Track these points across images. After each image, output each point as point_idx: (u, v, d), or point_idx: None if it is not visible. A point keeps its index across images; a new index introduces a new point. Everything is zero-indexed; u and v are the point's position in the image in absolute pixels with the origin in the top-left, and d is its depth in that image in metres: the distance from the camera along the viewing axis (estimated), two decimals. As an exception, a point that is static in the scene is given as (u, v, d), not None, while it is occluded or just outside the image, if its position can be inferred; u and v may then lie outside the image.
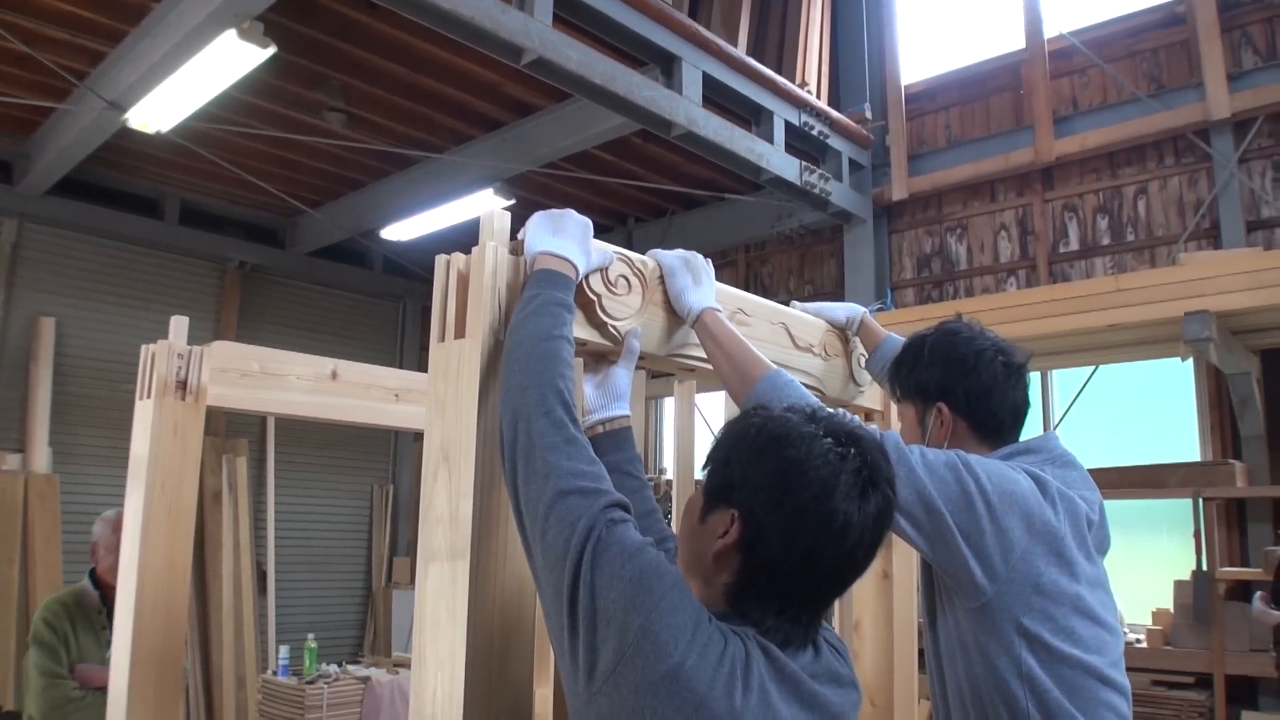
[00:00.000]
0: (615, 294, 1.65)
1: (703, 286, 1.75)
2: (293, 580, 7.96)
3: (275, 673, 5.17)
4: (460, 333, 1.45)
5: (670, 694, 1.06)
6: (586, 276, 1.60)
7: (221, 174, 6.84)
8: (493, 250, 1.46)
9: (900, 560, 2.29)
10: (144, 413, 2.31)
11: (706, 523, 1.21)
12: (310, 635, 5.37)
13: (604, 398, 1.65)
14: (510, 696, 1.38)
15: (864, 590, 2.30)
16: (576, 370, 1.58)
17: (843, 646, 1.30)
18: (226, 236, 7.93)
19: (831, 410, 1.28)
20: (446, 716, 1.33)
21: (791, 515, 1.14)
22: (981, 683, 1.62)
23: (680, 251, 1.79)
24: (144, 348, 2.34)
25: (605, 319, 1.63)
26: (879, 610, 2.28)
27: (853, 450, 1.17)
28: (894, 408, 2.15)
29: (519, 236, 1.57)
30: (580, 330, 1.60)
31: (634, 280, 1.70)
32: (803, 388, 1.67)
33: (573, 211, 1.60)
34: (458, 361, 1.44)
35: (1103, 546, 1.75)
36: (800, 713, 1.14)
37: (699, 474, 1.30)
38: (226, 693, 6.59)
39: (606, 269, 1.65)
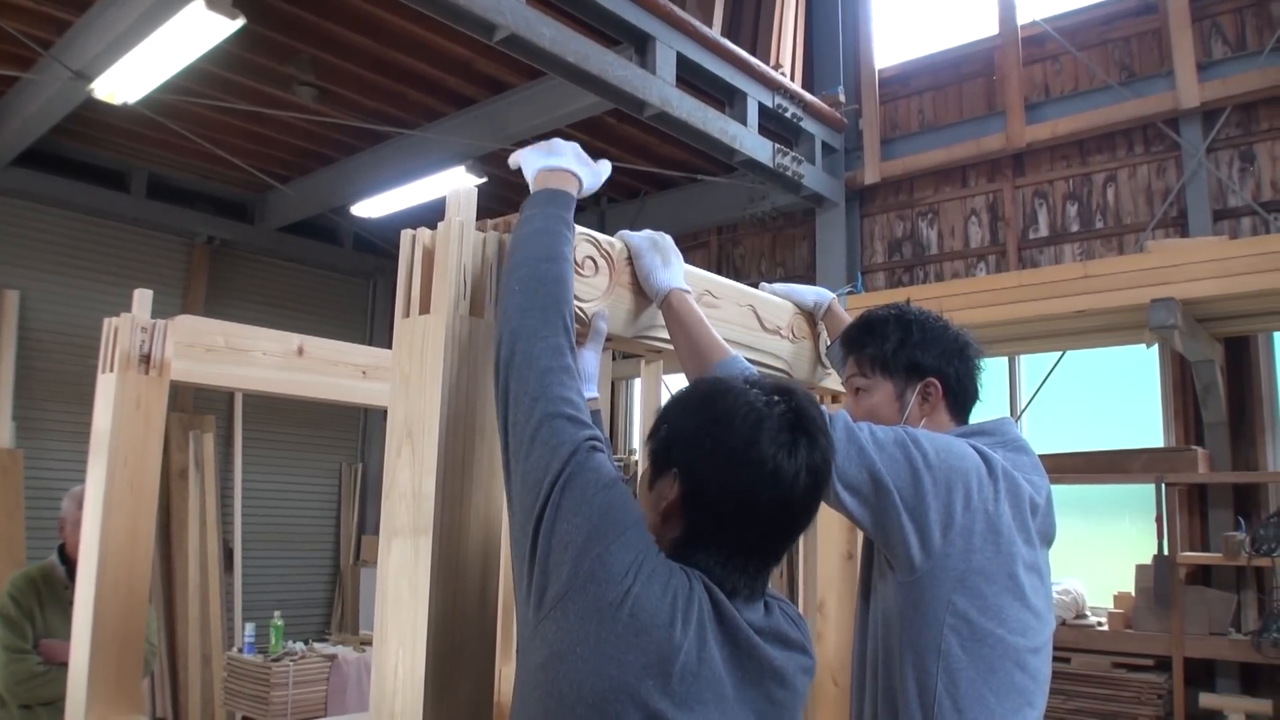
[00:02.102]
0: (582, 275, 1.65)
1: (671, 267, 1.75)
2: (260, 558, 7.91)
3: (241, 650, 5.14)
4: (425, 308, 1.44)
5: (614, 620, 1.09)
6: None
7: (190, 147, 6.75)
8: (459, 226, 1.45)
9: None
10: (106, 387, 2.29)
11: (655, 488, 1.24)
12: (277, 613, 5.35)
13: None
14: (473, 674, 1.38)
15: (828, 571, 2.32)
16: None
17: (799, 617, 1.33)
18: (195, 211, 7.83)
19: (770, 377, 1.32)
20: (408, 693, 1.33)
21: (723, 462, 1.18)
22: (895, 656, 1.64)
23: (648, 232, 1.79)
24: (106, 321, 2.31)
25: (573, 300, 1.63)
26: (843, 591, 2.29)
27: (777, 398, 1.22)
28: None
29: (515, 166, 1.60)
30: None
31: (601, 262, 1.69)
32: (754, 371, 1.68)
33: (560, 139, 1.63)
34: (422, 337, 1.43)
35: (1047, 535, 1.77)
36: (734, 657, 1.17)
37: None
38: (192, 670, 6.58)
39: (575, 250, 1.64)
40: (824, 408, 1.59)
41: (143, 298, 2.33)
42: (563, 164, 1.56)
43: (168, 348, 2.32)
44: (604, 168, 1.67)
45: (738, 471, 1.17)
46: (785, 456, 1.18)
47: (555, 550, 1.14)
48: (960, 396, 1.83)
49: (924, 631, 1.60)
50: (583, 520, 1.14)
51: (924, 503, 1.58)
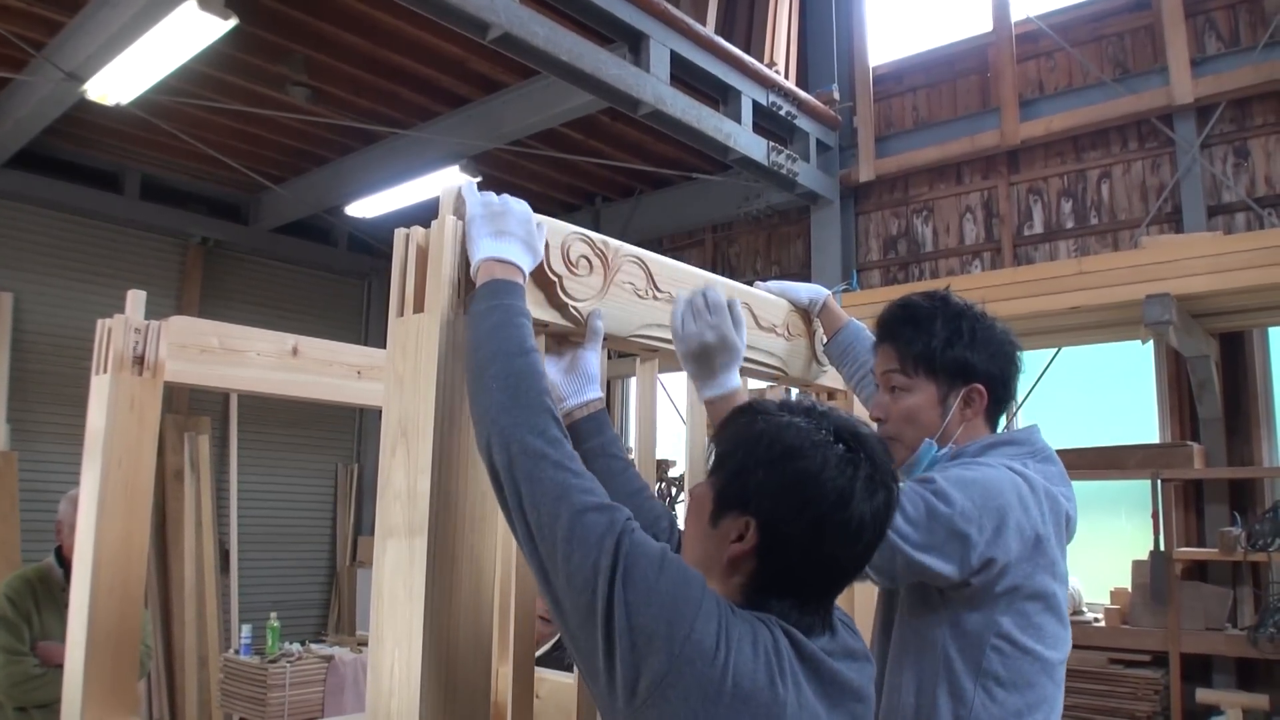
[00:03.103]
0: (576, 274, 1.64)
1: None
2: (256, 559, 7.89)
3: (237, 652, 5.13)
4: (419, 307, 1.44)
5: (719, 696, 1.09)
6: (549, 258, 1.59)
7: (183, 148, 6.73)
8: (452, 224, 1.44)
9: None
10: (100, 388, 2.28)
11: (719, 526, 1.22)
12: (273, 614, 5.33)
13: (575, 383, 1.62)
14: (470, 674, 1.38)
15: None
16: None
17: (851, 622, 1.33)
18: (189, 212, 7.80)
19: (824, 406, 1.30)
20: (404, 694, 1.32)
21: (811, 525, 1.17)
22: (928, 685, 1.62)
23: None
24: (100, 322, 2.31)
25: (566, 300, 1.62)
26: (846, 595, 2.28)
27: (862, 455, 1.21)
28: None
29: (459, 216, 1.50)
30: (541, 312, 1.59)
31: (595, 260, 1.68)
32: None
33: (511, 203, 1.51)
34: (416, 336, 1.43)
35: (1071, 537, 1.77)
36: (822, 689, 1.18)
37: (700, 471, 1.32)
38: (189, 672, 6.56)
39: (568, 249, 1.63)
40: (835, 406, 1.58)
41: (136, 298, 2.32)
42: (508, 256, 1.46)
43: (161, 348, 2.31)
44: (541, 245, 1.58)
45: (825, 532, 1.18)
46: (868, 512, 1.19)
47: (639, 644, 1.11)
48: (1004, 404, 1.77)
49: (965, 650, 1.59)
50: (658, 609, 1.11)
51: (979, 552, 1.54)
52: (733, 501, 1.22)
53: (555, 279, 1.59)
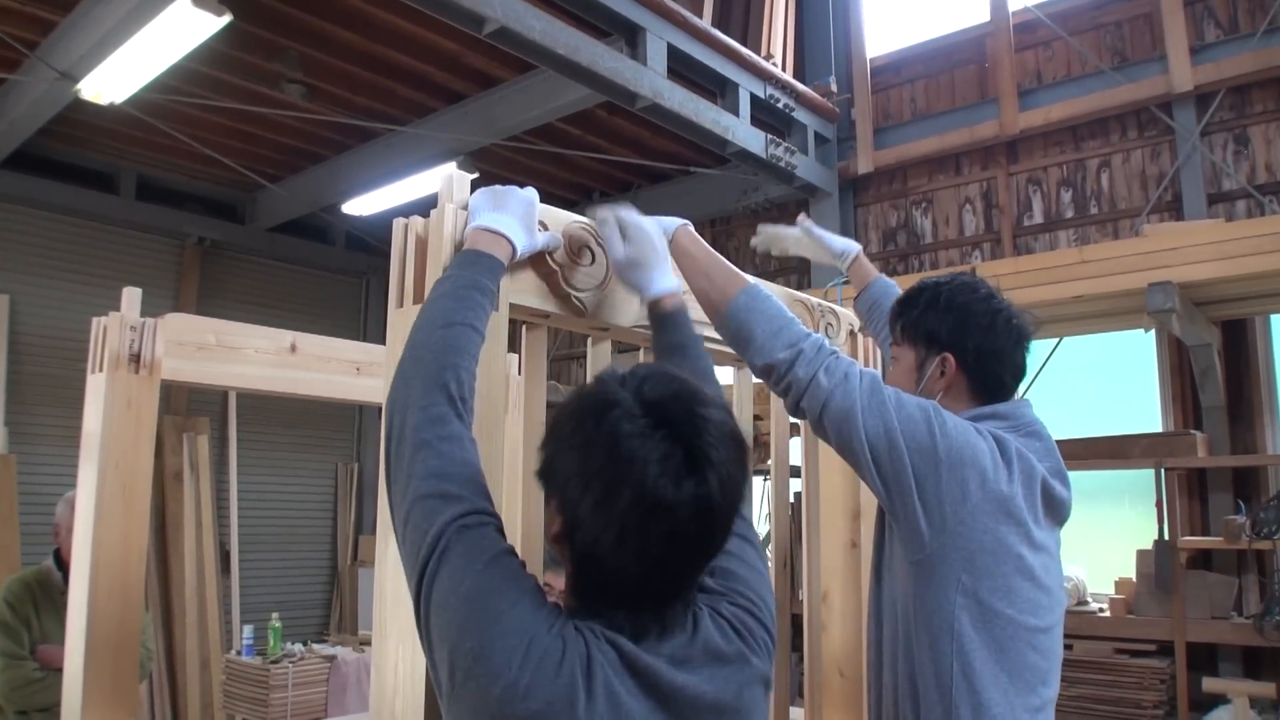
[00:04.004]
0: (579, 264, 1.62)
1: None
2: (257, 560, 7.86)
3: (239, 653, 5.11)
4: (419, 298, 1.41)
5: (506, 716, 1.00)
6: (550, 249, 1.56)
7: (179, 148, 6.69)
8: (452, 213, 1.42)
9: (868, 530, 2.28)
10: (96, 387, 2.25)
11: (548, 506, 1.12)
12: (275, 614, 5.30)
13: (640, 275, 1.60)
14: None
15: (832, 561, 2.29)
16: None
17: (737, 613, 1.19)
18: (185, 212, 7.76)
19: (656, 372, 1.14)
20: (409, 691, 1.30)
21: (601, 513, 1.03)
22: (914, 640, 1.62)
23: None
24: (95, 320, 2.28)
25: (569, 290, 1.60)
26: (847, 580, 2.27)
27: (664, 431, 1.04)
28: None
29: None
30: (543, 302, 1.57)
31: (598, 250, 1.66)
32: (780, 303, 1.65)
33: (517, 188, 1.51)
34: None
35: (1061, 514, 1.74)
36: (659, 708, 1.06)
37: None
38: (190, 674, 6.54)
39: (571, 238, 1.61)
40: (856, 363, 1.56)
41: (131, 296, 2.30)
42: (499, 226, 1.42)
43: (158, 346, 2.28)
44: (552, 239, 1.56)
45: (622, 522, 1.02)
46: (677, 502, 1.02)
47: (436, 646, 1.06)
48: (980, 376, 1.75)
49: (936, 612, 1.58)
50: (451, 614, 1.04)
51: (935, 473, 1.55)
52: (546, 484, 1.11)
53: (557, 269, 1.56)
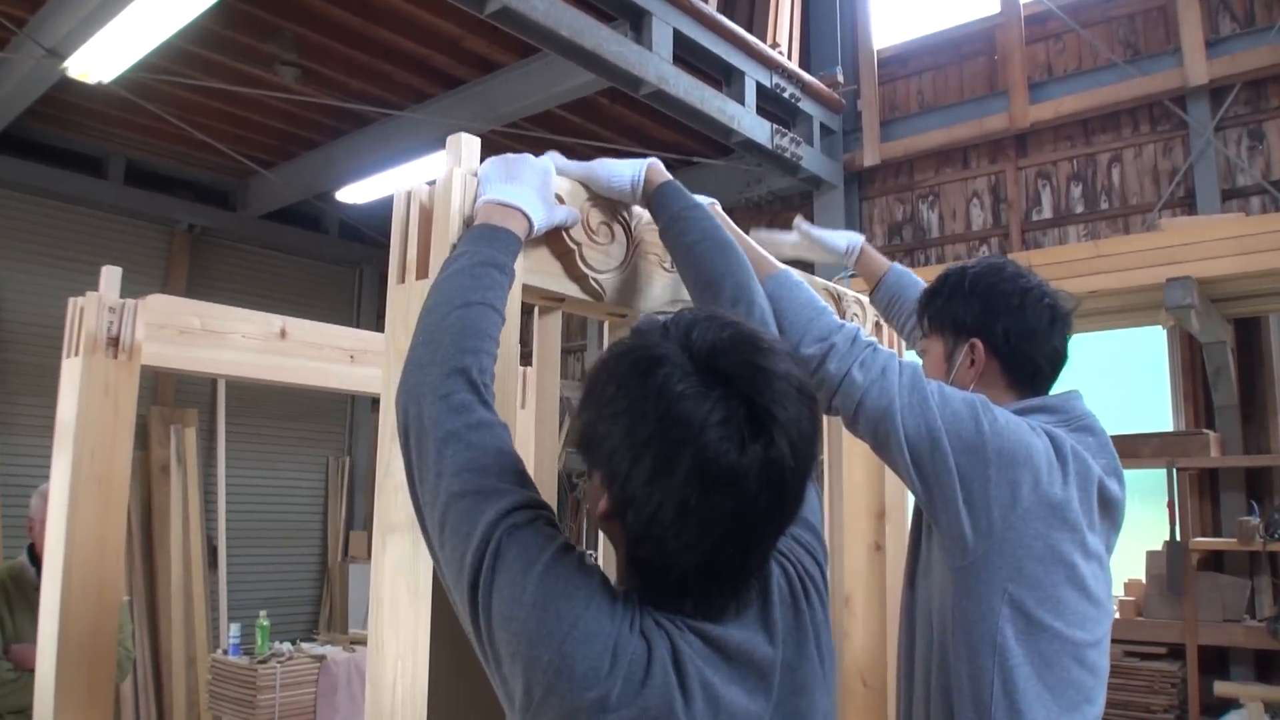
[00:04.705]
0: (597, 243, 1.48)
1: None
2: (245, 556, 7.71)
3: (226, 652, 4.97)
4: (423, 273, 1.28)
5: None
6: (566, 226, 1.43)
7: (169, 131, 6.54)
8: (460, 178, 1.28)
9: (893, 532, 2.16)
10: (71, 372, 2.11)
11: (591, 478, 0.99)
12: (263, 612, 5.18)
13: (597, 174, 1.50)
14: (484, 689, 1.20)
15: (855, 564, 2.16)
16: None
17: (803, 555, 1.12)
18: (175, 198, 7.59)
19: (711, 317, 1.00)
20: (409, 711, 1.16)
21: (652, 484, 0.91)
22: (951, 653, 1.50)
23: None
24: (71, 301, 2.13)
25: (586, 270, 1.47)
26: (871, 584, 2.14)
27: (720, 390, 0.91)
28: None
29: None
30: (558, 284, 1.44)
31: (617, 229, 1.52)
32: (812, 291, 1.53)
33: (531, 156, 1.39)
34: (420, 305, 1.26)
35: (1116, 517, 1.63)
36: (758, 690, 0.98)
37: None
38: (176, 672, 6.41)
39: (588, 216, 1.47)
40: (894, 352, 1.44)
41: (111, 275, 2.16)
42: (513, 200, 1.29)
43: (138, 329, 2.14)
44: (570, 215, 1.42)
45: (677, 496, 0.90)
46: (743, 468, 0.90)
47: (505, 662, 0.94)
48: (1014, 361, 1.62)
49: (978, 624, 1.45)
50: (520, 626, 0.92)
51: (984, 473, 1.42)
52: (587, 456, 0.98)
53: (574, 247, 1.43)
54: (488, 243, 1.23)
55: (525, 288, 1.37)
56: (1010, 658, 1.44)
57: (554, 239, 1.42)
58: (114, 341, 2.11)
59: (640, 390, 0.92)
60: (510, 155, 1.37)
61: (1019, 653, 1.44)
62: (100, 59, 4.75)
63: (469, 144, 1.34)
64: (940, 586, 1.53)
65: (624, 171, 1.50)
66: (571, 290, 1.45)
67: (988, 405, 1.47)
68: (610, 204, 1.51)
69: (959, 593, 1.48)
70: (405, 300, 1.28)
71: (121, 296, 2.16)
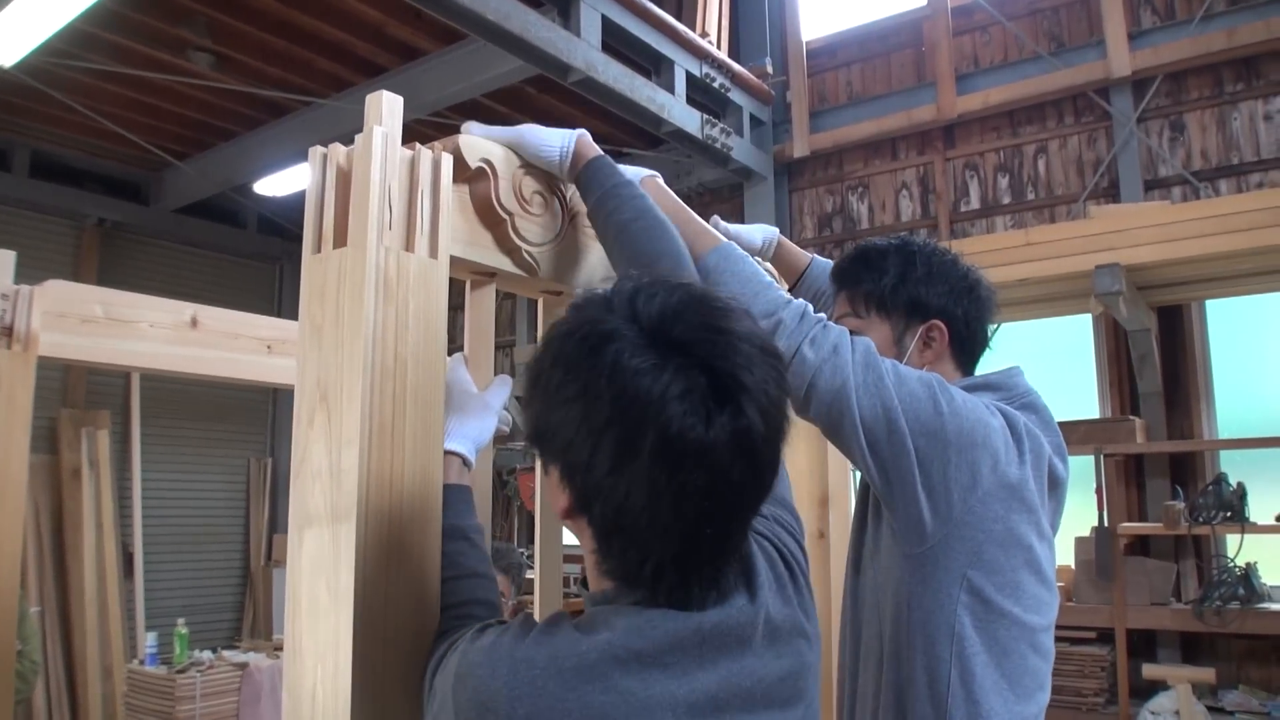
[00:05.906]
0: (530, 213, 1.39)
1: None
2: (162, 562, 7.44)
3: (143, 662, 4.75)
4: (341, 241, 1.16)
5: None
6: (499, 191, 1.34)
7: (77, 121, 6.26)
8: (381, 138, 1.18)
9: (837, 519, 2.10)
10: (-41, 364, 1.95)
11: (548, 473, 0.92)
12: (181, 620, 4.97)
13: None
14: (409, 696, 1.11)
15: (798, 553, 2.10)
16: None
17: (781, 532, 1.08)
18: (83, 191, 7.29)
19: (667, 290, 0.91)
20: (329, 718, 1.06)
21: (614, 469, 0.84)
22: (904, 644, 1.44)
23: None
24: (-42, 287, 1.98)
25: (519, 243, 1.37)
26: (815, 574, 2.07)
27: (676, 360, 0.84)
28: None
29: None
30: (488, 257, 1.34)
31: (552, 198, 1.43)
32: (756, 265, 1.46)
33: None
34: (337, 276, 1.15)
35: (1060, 497, 1.59)
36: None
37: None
38: (91, 684, 6.14)
39: (520, 184, 1.38)
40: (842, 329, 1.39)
41: (4, 260, 2.00)
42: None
43: (34, 317, 1.98)
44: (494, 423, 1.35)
45: (630, 466, 0.83)
46: (711, 442, 0.83)
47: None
48: (968, 343, 1.60)
49: (935, 612, 1.39)
50: None
51: (943, 455, 1.36)
52: (540, 450, 0.92)
53: (506, 217, 1.33)
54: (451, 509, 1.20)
55: (455, 261, 1.27)
56: (968, 646, 1.39)
57: (486, 209, 1.32)
58: (7, 331, 1.95)
59: (590, 371, 0.85)
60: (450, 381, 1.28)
61: (976, 640, 1.39)
62: (1, 43, 4.50)
63: (390, 102, 1.23)
64: (892, 574, 1.47)
65: (552, 141, 1.43)
66: (504, 264, 1.35)
67: (944, 385, 1.42)
68: (545, 173, 1.42)
69: (914, 580, 1.42)
70: (322, 271, 1.17)
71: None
